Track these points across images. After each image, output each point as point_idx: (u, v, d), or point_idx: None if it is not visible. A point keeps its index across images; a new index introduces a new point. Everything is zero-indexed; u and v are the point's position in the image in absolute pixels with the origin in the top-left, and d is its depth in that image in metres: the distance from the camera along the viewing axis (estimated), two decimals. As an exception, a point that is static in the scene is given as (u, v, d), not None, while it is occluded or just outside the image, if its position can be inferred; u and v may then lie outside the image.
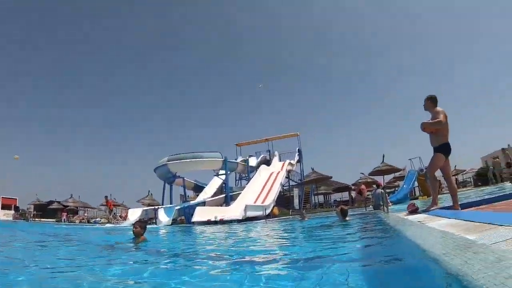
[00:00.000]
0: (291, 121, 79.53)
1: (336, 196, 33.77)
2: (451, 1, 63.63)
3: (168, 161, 21.03)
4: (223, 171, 23.68)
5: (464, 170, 35.44)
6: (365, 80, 72.36)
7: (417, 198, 20.98)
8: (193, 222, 16.60)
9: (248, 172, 27.33)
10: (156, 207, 20.63)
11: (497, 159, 20.09)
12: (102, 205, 26.54)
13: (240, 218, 17.60)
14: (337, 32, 73.72)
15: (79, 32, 62.72)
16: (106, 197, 24.22)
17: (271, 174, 25.96)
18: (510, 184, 15.58)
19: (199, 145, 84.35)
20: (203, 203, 19.82)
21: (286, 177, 28.84)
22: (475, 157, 45.82)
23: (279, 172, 26.72)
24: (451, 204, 5.54)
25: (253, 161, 30.29)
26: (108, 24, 65.14)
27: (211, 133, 71.65)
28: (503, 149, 19.94)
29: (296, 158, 32.48)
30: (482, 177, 25.42)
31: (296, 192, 26.30)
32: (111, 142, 70.29)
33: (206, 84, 75.09)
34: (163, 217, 17.83)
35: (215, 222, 16.64)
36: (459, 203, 5.49)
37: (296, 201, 25.18)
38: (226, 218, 17.36)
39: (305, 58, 76.94)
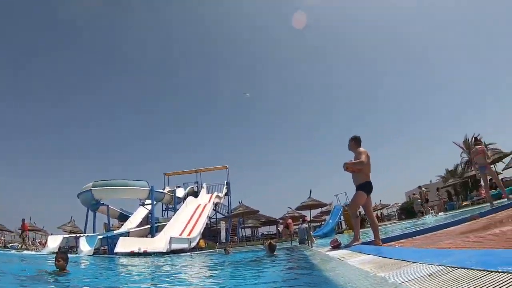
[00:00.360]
0: (220, 154, 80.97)
1: (264, 230, 35.07)
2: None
3: (93, 187, 20.33)
4: (149, 201, 23.46)
5: (389, 205, 39.15)
6: (292, 118, 77.63)
7: (343, 232, 22.80)
8: (116, 253, 16.26)
9: (175, 203, 27.30)
10: (78, 235, 19.68)
11: (416, 195, 22.68)
12: (20, 228, 24.59)
13: (165, 250, 17.63)
14: (266, 71, 78.58)
15: None
16: (23, 220, 22.57)
17: (198, 206, 26.33)
18: (431, 217, 17.89)
19: (125, 172, 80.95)
20: (127, 233, 19.44)
21: (213, 210, 29.40)
22: (399, 192, 50.58)
23: (206, 204, 27.21)
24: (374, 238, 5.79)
25: (180, 192, 30.30)
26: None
27: (138, 160, 69.94)
28: (419, 186, 22.41)
29: (224, 190, 33.28)
30: (406, 211, 28.53)
31: (223, 225, 26.90)
32: (34, 163, 64.34)
33: (135, 112, 73.66)
34: (85, 247, 17.08)
35: (139, 254, 16.45)
36: (381, 237, 5.86)
37: (223, 234, 25.73)
38: (150, 250, 17.24)
39: (234, 95, 79.97)
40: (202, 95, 78.88)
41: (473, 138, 10.84)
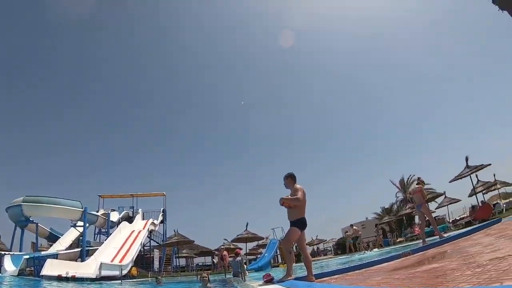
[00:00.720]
0: (159, 181, 79.93)
1: (199, 260, 34.63)
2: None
3: (23, 202, 19.21)
4: (81, 223, 22.56)
5: (325, 240, 40.67)
6: (233, 154, 79.52)
7: (278, 266, 23.46)
8: (42, 276, 15.44)
9: (108, 227, 26.41)
10: (3, 253, 18.26)
11: (348, 232, 24.10)
12: None
13: (94, 276, 17.15)
14: (217, 111, 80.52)
15: None
16: None
17: (132, 232, 25.73)
18: (363, 253, 19.08)
19: (57, 190, 75.49)
20: (55, 255, 18.49)
21: (148, 237, 28.78)
22: (337, 227, 52.95)
23: (140, 230, 26.63)
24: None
25: (114, 216, 29.37)
26: None
27: (72, 179, 66.13)
28: (351, 225, 23.87)
29: (160, 218, 32.76)
30: (342, 246, 30.01)
31: (157, 253, 26.41)
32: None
33: (69, 128, 70.46)
34: (9, 266, 15.91)
35: (67, 279, 15.80)
36: (315, 272, 5.95)
37: (156, 262, 25.24)
38: (78, 275, 16.65)
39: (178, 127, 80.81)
40: (152, 129, 78.63)
41: (418, 178, 12.09)
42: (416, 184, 11.20)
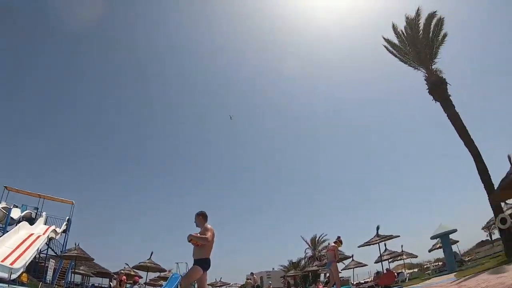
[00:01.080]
0: (74, 190, 75.20)
1: (95, 281, 32.48)
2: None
3: None
4: (-22, 212, 20.71)
5: (229, 283, 40.66)
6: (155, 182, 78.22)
7: (178, 301, 23.21)
8: None
9: (6, 224, 24.22)
10: None
11: (249, 280, 24.60)
12: None
13: (-20, 275, 15.89)
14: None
15: None
16: None
17: (31, 235, 23.88)
18: None
19: None
20: None
21: (46, 244, 26.78)
22: (242, 272, 53.57)
23: (40, 235, 24.76)
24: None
25: (16, 213, 26.97)
26: None
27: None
28: (251, 273, 24.35)
29: (63, 227, 30.71)
30: None
31: (52, 264, 24.67)
32: None
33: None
34: None
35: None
36: None
37: (50, 273, 23.56)
38: (-38, 269, 15.38)
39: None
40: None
41: (338, 237, 12.38)
42: (333, 242, 11.27)
